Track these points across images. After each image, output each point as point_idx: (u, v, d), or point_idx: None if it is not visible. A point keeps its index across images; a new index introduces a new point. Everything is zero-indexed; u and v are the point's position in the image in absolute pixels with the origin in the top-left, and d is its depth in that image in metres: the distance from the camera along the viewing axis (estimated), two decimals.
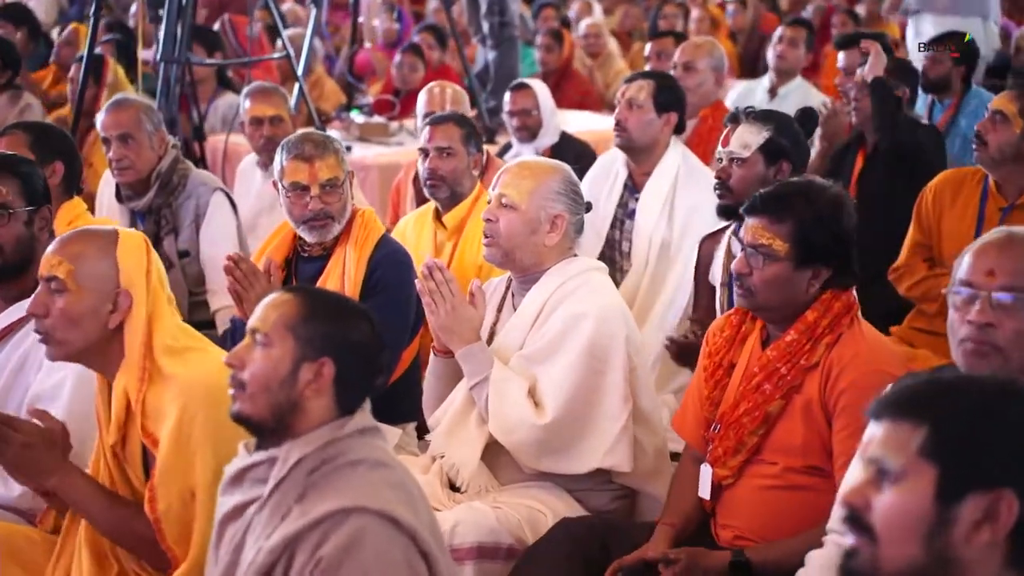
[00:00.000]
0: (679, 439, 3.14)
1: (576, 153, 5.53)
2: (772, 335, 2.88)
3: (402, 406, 3.79)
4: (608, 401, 3.13)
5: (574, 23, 11.10)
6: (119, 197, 4.63)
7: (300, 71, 6.53)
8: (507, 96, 5.81)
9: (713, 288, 3.86)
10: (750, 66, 10.31)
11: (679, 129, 4.59)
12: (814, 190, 2.84)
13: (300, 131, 3.98)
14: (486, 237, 3.25)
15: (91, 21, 6.10)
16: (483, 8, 7.19)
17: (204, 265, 4.61)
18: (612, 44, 10.29)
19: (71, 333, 2.60)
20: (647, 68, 6.32)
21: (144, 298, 2.62)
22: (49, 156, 4.00)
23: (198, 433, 2.52)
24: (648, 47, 6.36)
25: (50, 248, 2.66)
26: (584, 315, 3.14)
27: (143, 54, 6.76)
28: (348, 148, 6.50)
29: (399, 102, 7.97)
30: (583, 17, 11.01)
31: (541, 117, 5.66)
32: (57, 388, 3.00)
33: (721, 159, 3.68)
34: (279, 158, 3.75)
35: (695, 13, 10.78)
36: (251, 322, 2.26)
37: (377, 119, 7.26)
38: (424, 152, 4.30)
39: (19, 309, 3.13)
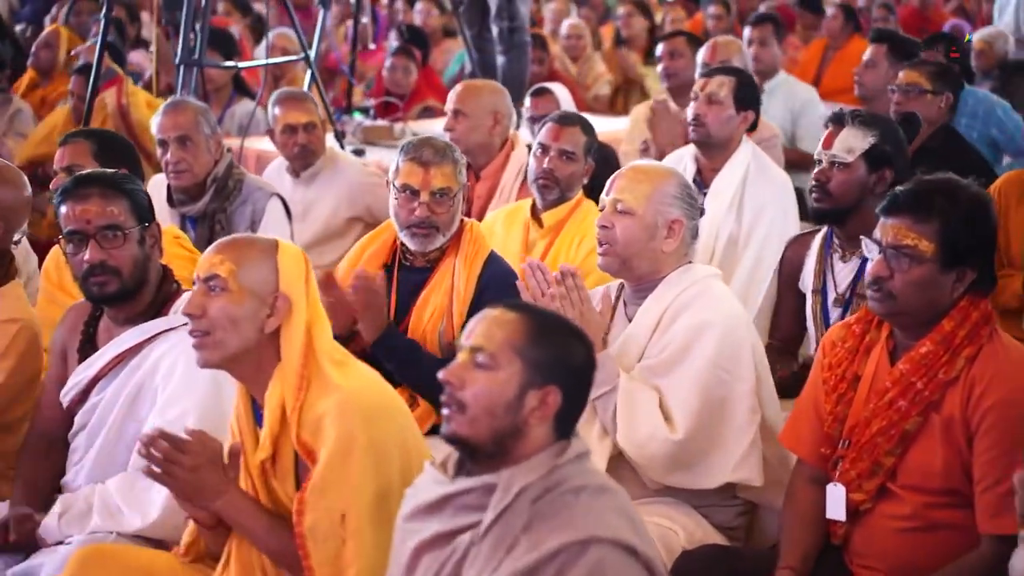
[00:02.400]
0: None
1: (603, 156, 5.47)
2: (901, 345, 2.79)
3: None
4: (737, 413, 3.07)
5: (549, 24, 11.04)
6: (171, 201, 4.49)
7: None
8: (528, 101, 5.73)
9: (801, 295, 3.80)
10: None
11: (751, 127, 4.55)
12: (958, 188, 2.77)
13: (424, 136, 3.86)
14: (601, 244, 3.18)
15: (100, 30, 5.90)
16: (492, 12, 7.09)
17: None
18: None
19: (228, 335, 2.50)
20: (660, 68, 6.29)
21: (304, 305, 2.53)
22: (113, 164, 3.85)
23: (359, 454, 2.42)
24: (660, 47, 6.31)
25: (209, 249, 2.56)
26: (709, 324, 3.08)
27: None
28: (361, 152, 6.39)
29: (384, 105, 7.85)
30: (561, 19, 10.95)
31: None
32: (179, 421, 2.88)
33: (820, 161, 3.62)
34: (397, 157, 3.63)
35: (670, 16, 10.76)
36: (470, 338, 2.16)
37: (381, 122, 7.14)
38: (544, 148, 4.18)
39: (134, 334, 3.03)
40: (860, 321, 2.90)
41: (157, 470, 2.47)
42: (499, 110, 4.91)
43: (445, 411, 2.16)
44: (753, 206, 4.41)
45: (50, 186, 3.91)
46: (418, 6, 11.05)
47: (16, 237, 3.31)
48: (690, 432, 3.03)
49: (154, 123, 4.54)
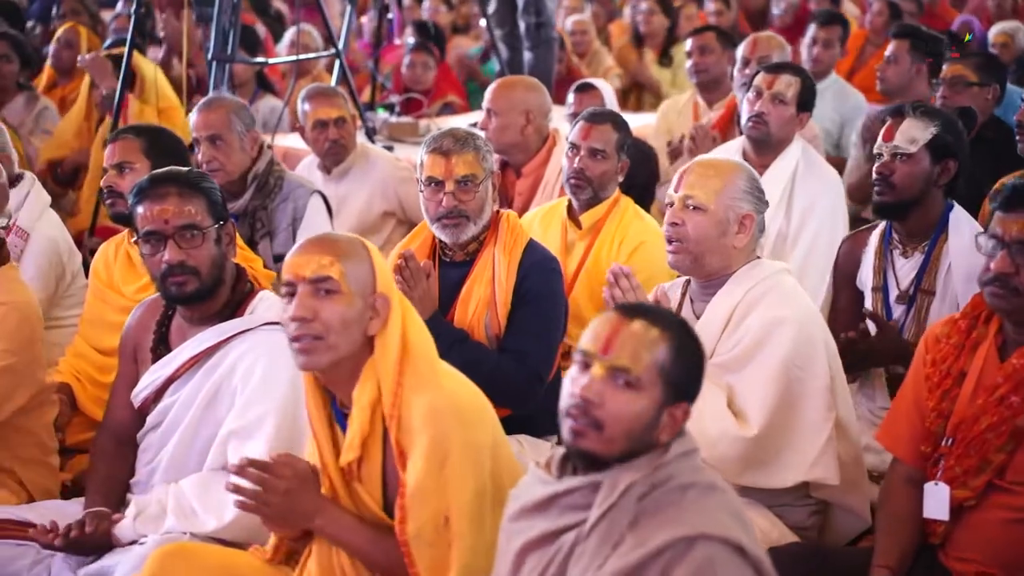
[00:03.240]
0: None
1: (643, 155, 5.42)
2: (1012, 341, 2.75)
3: (547, 419, 3.66)
4: (811, 410, 3.04)
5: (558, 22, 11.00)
6: None
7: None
8: (571, 97, 5.69)
9: (858, 292, 3.76)
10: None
11: None
12: None
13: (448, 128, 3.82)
14: (671, 242, 3.14)
15: (130, 30, 5.85)
16: (519, 8, 7.05)
17: None
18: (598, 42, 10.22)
19: (341, 338, 2.43)
20: (688, 63, 6.24)
21: (398, 302, 2.48)
22: (163, 161, 3.81)
23: (456, 456, 2.38)
24: (689, 42, 6.26)
25: (306, 250, 2.47)
26: (782, 320, 3.04)
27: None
28: (390, 148, 6.34)
29: (408, 102, 7.80)
30: (568, 15, 10.91)
31: None
32: (258, 423, 2.87)
33: (882, 154, 3.58)
34: (420, 153, 3.60)
35: (683, 12, 10.72)
36: (611, 353, 2.10)
37: (406, 118, 7.09)
38: (575, 148, 4.14)
39: (210, 335, 2.99)
40: (966, 316, 2.85)
41: (249, 501, 2.42)
42: (531, 108, 4.86)
43: (572, 423, 2.11)
44: (802, 203, 4.37)
45: (101, 184, 3.85)
46: (426, 3, 11.01)
47: (2, 222, 3.24)
48: (764, 430, 3.00)
49: (190, 121, 4.51)
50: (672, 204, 3.16)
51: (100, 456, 3.12)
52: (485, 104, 4.91)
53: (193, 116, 4.45)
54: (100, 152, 6.12)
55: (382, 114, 7.17)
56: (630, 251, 4.00)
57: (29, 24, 9.62)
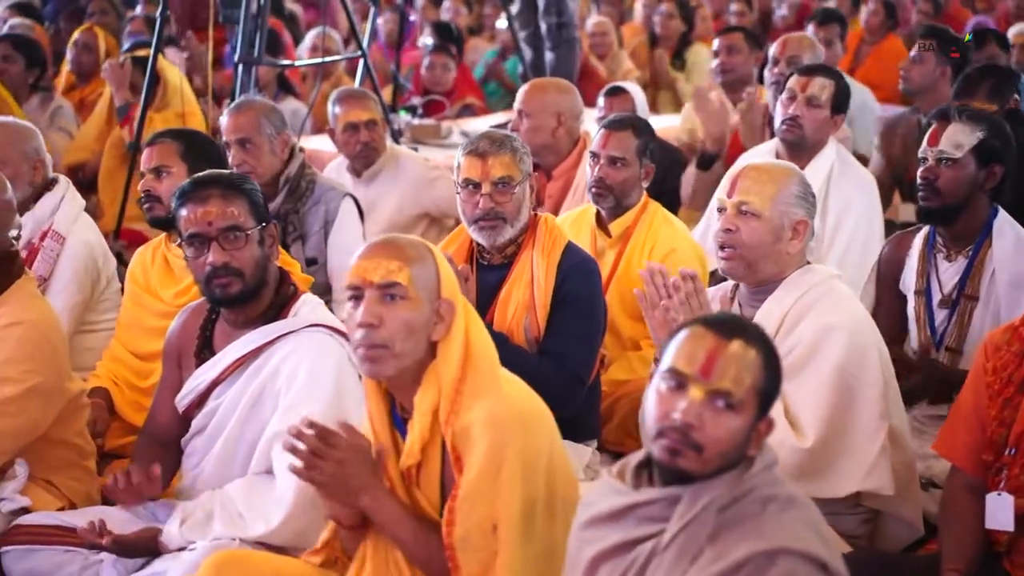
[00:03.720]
0: None
1: (671, 159, 5.41)
2: None
3: (587, 424, 3.66)
4: (865, 419, 3.01)
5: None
6: None
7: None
8: (601, 100, 5.66)
9: (901, 295, 3.74)
10: None
11: None
12: None
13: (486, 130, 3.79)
14: (724, 249, 3.11)
15: (155, 35, 5.84)
16: (540, 9, 7.03)
17: (331, 274, 4.44)
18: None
19: (407, 345, 2.39)
20: (714, 62, 6.21)
21: (462, 307, 2.44)
22: (201, 164, 3.79)
23: (510, 464, 2.35)
24: (717, 42, 6.23)
25: (372, 253, 2.43)
26: (835, 327, 3.01)
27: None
28: (415, 151, 6.32)
29: (430, 104, 7.79)
30: (583, 18, 10.89)
31: None
32: None
33: (927, 159, 3.56)
34: (457, 156, 3.58)
35: (699, 13, 10.70)
36: (711, 376, 2.06)
37: (428, 121, 7.06)
38: (595, 156, 4.12)
39: (254, 337, 2.96)
40: None
41: (300, 464, 2.38)
42: (563, 110, 4.85)
43: (668, 443, 2.06)
44: (837, 206, 4.34)
45: (138, 187, 3.83)
46: (446, 4, 10.99)
47: (13, 233, 3.23)
48: (819, 439, 2.96)
49: (221, 123, 4.49)
50: (724, 209, 3.12)
51: (142, 460, 3.08)
52: (517, 106, 4.89)
53: (223, 119, 4.43)
54: (112, 157, 6.15)
55: (404, 116, 7.15)
56: (661, 257, 3.97)
57: (44, 24, 9.65)
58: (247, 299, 2.96)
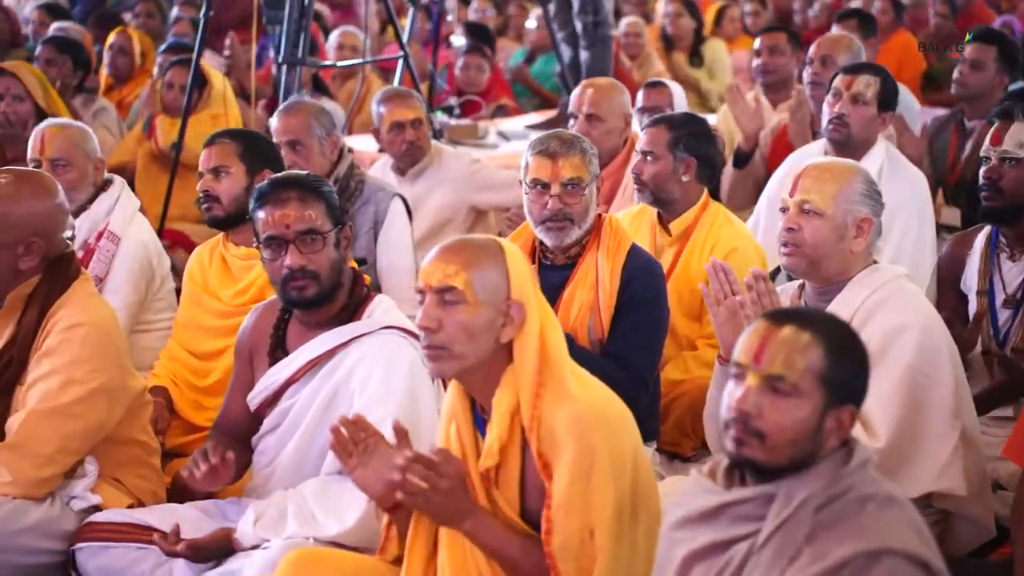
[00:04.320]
0: None
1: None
2: None
3: (647, 425, 3.63)
4: (937, 419, 2.99)
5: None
6: None
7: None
8: (640, 93, 5.66)
9: (963, 296, 3.72)
10: None
11: None
12: None
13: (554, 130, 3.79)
14: (786, 246, 3.10)
15: (198, 37, 5.85)
16: (575, 7, 7.03)
17: (380, 274, 4.45)
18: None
19: (467, 348, 2.39)
20: (755, 62, 6.19)
21: (535, 309, 2.43)
22: (259, 164, 3.83)
23: (601, 467, 2.35)
24: (757, 41, 6.21)
25: (435, 257, 2.44)
26: (905, 327, 3.00)
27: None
28: None
29: (465, 104, 7.79)
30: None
31: None
32: (377, 427, 2.81)
33: (989, 158, 3.54)
34: (525, 155, 3.57)
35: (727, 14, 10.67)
36: (762, 362, 2.06)
37: (465, 121, 7.07)
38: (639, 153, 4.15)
39: (328, 338, 2.97)
40: None
41: (410, 496, 2.39)
42: (627, 111, 4.88)
43: (732, 433, 2.07)
44: (889, 204, 4.21)
45: (197, 188, 3.83)
46: (474, 4, 10.98)
47: (68, 234, 3.26)
48: (891, 440, 2.94)
49: (271, 125, 4.49)
50: (787, 209, 3.12)
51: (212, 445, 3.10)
52: (586, 109, 4.83)
53: (273, 121, 4.43)
54: (146, 159, 6.15)
55: (441, 116, 7.15)
56: (722, 256, 3.89)
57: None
58: (322, 301, 2.97)
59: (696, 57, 9.35)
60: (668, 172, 4.07)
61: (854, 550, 1.94)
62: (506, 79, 9.15)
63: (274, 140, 4.37)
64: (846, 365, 2.06)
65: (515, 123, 7.50)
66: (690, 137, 4.09)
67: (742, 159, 5.26)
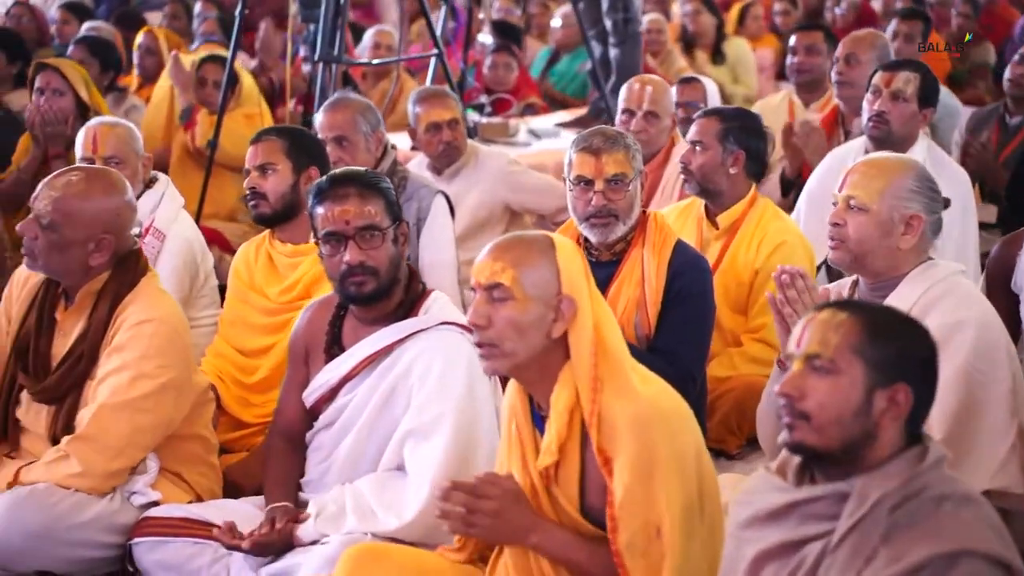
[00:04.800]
0: None
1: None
2: None
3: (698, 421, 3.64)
4: (994, 416, 2.97)
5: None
6: None
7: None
8: (674, 89, 5.65)
9: (1013, 296, 3.69)
10: None
11: None
12: None
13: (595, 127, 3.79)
14: (832, 240, 3.09)
15: (235, 26, 5.86)
16: (604, 5, 7.04)
17: (422, 270, 4.43)
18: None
19: (517, 344, 2.40)
20: (791, 61, 6.15)
21: (588, 303, 2.43)
22: (305, 161, 3.84)
23: (664, 465, 2.34)
24: (793, 39, 6.18)
25: (486, 254, 2.45)
26: (962, 323, 2.98)
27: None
28: None
29: (496, 102, 7.78)
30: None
31: None
32: (435, 424, 2.86)
33: None
34: (568, 152, 3.57)
35: (751, 11, 10.65)
36: (801, 345, 2.08)
37: (496, 119, 7.07)
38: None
39: (385, 334, 2.98)
40: None
41: (457, 524, 2.39)
42: (673, 109, 4.90)
43: (786, 420, 2.08)
44: None
45: (244, 185, 3.84)
46: (496, 3, 10.98)
47: (135, 231, 3.29)
48: (946, 436, 2.92)
49: (316, 120, 4.50)
50: (836, 204, 3.11)
51: (274, 455, 3.13)
52: (647, 106, 4.85)
53: (319, 117, 4.44)
54: (180, 156, 6.16)
55: (472, 115, 7.15)
56: (769, 251, 3.96)
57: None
58: (380, 297, 2.97)
59: (718, 56, 9.31)
60: (716, 163, 4.08)
61: (932, 551, 1.93)
62: (529, 74, 9.16)
63: (319, 136, 4.38)
64: (887, 340, 2.03)
65: (546, 121, 7.52)
66: (741, 130, 4.10)
67: (788, 186, 5.22)
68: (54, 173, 3.23)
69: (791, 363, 2.10)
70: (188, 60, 6.51)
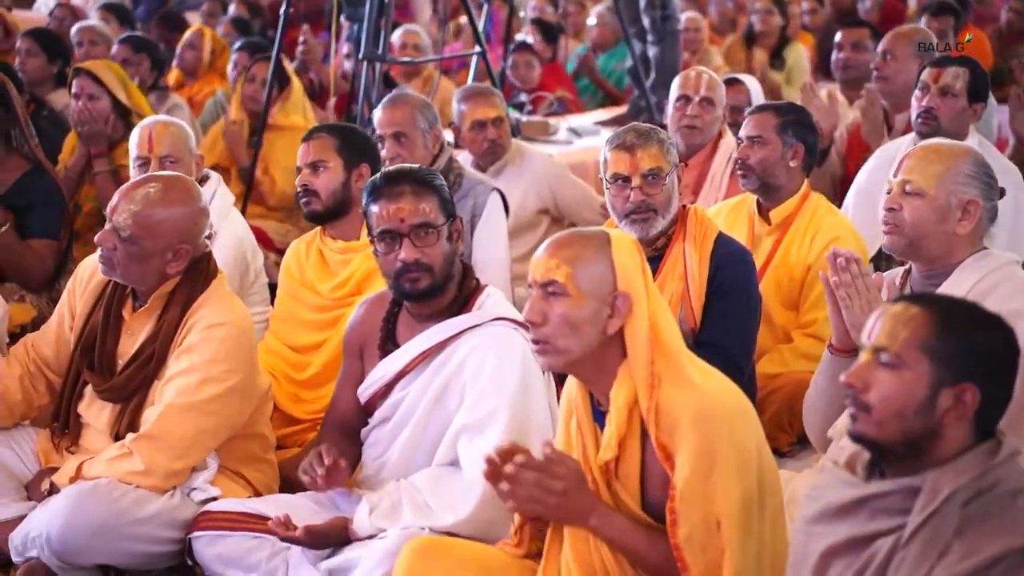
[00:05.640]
0: None
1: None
2: None
3: None
4: None
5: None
6: None
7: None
8: None
9: None
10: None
11: None
12: None
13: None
14: (887, 225, 3.07)
15: (279, 26, 5.89)
16: (642, 3, 7.04)
17: (476, 267, 4.43)
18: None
19: (572, 341, 2.39)
20: (836, 56, 6.12)
21: (644, 299, 2.43)
22: (356, 159, 3.86)
23: (724, 460, 2.34)
24: (839, 36, 6.15)
25: (542, 251, 2.45)
26: (1018, 313, 2.90)
27: None
28: None
29: (535, 100, 7.79)
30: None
31: None
32: (490, 418, 2.86)
33: None
34: (603, 151, 3.57)
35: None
36: (872, 337, 2.07)
37: (536, 117, 7.08)
38: (739, 141, 4.14)
39: (439, 330, 2.99)
40: None
41: (524, 499, 2.38)
42: (725, 101, 4.91)
43: (851, 410, 2.08)
44: None
45: (295, 182, 3.86)
46: (532, 2, 10.98)
47: (207, 233, 3.32)
48: (1005, 426, 2.91)
49: (375, 117, 4.53)
50: (891, 190, 3.09)
51: (325, 441, 3.11)
52: (703, 92, 4.82)
53: (377, 113, 4.47)
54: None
55: (512, 113, 7.14)
56: (822, 246, 3.94)
57: (137, 27, 9.78)
58: (434, 294, 2.98)
59: (778, 59, 9.26)
60: (777, 157, 4.08)
61: (1007, 546, 1.91)
62: (566, 73, 9.15)
63: (377, 132, 4.41)
64: (958, 340, 2.01)
65: (585, 120, 7.53)
66: (797, 124, 4.10)
67: (819, 155, 5.22)
68: (131, 183, 3.25)
69: (860, 353, 2.09)
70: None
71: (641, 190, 3.48)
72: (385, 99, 4.50)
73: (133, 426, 3.17)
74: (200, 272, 3.23)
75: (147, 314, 3.22)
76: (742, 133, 4.13)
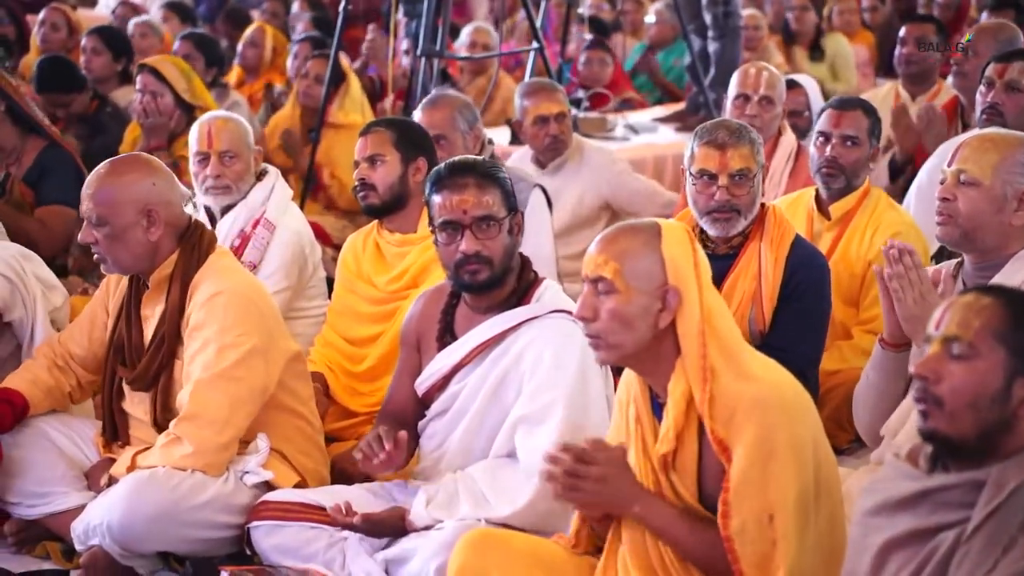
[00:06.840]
0: None
1: None
2: None
3: None
4: None
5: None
6: None
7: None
8: None
9: None
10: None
11: None
12: None
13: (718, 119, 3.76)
14: (940, 215, 3.03)
15: (338, 24, 5.92)
16: (704, 0, 7.01)
17: None
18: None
19: (623, 336, 2.39)
20: (899, 52, 6.03)
21: (695, 292, 2.41)
22: (413, 153, 3.86)
23: (781, 451, 2.31)
24: (903, 30, 6.06)
25: (593, 246, 2.45)
26: None
27: None
28: None
29: (593, 97, 7.76)
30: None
31: (812, 118, 5.39)
32: (547, 410, 2.86)
33: None
34: (691, 143, 3.54)
35: (837, 7, 10.49)
36: (941, 327, 2.04)
37: (594, 114, 7.06)
38: (825, 137, 4.03)
39: (499, 322, 3.00)
40: None
41: (561, 487, 2.38)
42: (784, 98, 4.86)
43: (920, 406, 2.04)
44: None
45: (353, 176, 3.87)
46: (588, 0, 10.96)
47: (189, 209, 3.36)
48: None
49: (415, 118, 4.54)
50: (944, 180, 3.04)
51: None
52: (763, 91, 4.80)
53: (417, 114, 4.47)
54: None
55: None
56: (883, 242, 3.88)
57: (199, 25, 9.88)
58: (493, 286, 2.99)
59: (816, 51, 9.19)
60: (867, 158, 4.04)
61: None
62: (623, 71, 9.12)
63: None
64: None
65: (643, 116, 7.49)
66: (878, 124, 4.06)
67: (898, 171, 5.13)
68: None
69: (928, 345, 2.06)
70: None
71: (727, 190, 3.44)
72: (424, 101, 4.51)
73: (167, 408, 3.24)
74: (194, 248, 3.26)
75: (154, 298, 3.27)
76: (835, 130, 4.00)
